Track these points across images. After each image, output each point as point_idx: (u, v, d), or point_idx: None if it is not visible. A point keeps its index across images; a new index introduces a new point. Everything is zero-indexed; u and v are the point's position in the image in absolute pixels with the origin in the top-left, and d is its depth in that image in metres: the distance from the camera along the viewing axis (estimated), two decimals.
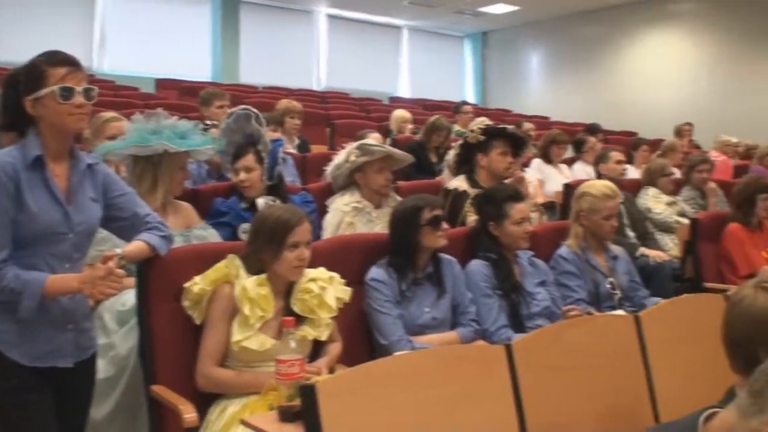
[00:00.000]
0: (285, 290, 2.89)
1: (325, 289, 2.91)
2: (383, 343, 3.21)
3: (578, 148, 7.93)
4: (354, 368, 2.06)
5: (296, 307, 2.85)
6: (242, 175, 4.14)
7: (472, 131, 4.56)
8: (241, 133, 4.24)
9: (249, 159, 4.16)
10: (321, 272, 2.96)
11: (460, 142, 4.67)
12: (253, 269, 2.83)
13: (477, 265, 3.61)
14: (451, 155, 4.77)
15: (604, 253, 4.05)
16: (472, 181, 4.43)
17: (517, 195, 3.75)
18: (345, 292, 2.99)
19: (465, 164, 4.56)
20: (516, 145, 4.56)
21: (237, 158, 4.18)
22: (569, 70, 16.56)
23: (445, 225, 3.41)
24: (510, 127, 4.75)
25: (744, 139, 10.65)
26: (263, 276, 2.82)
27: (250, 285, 2.77)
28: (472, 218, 4.14)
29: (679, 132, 10.80)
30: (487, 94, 18.45)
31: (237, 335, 2.73)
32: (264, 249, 2.82)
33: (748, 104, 13.13)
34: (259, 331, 2.76)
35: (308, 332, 2.85)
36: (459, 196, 4.34)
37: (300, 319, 2.85)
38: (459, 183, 4.44)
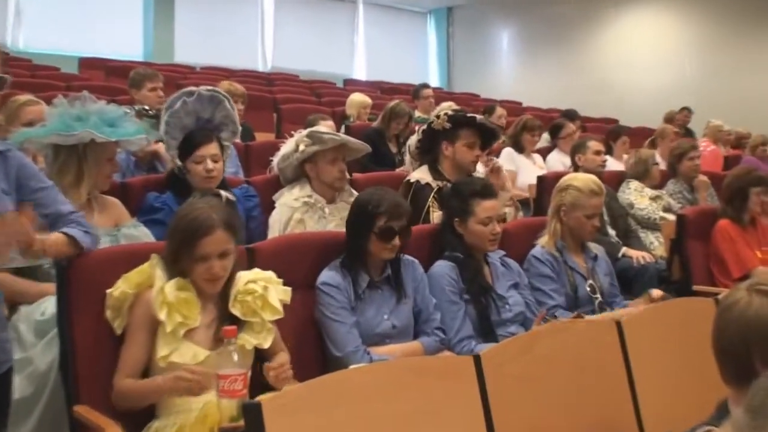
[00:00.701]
0: (217, 294, 2.82)
1: (268, 289, 2.87)
2: (337, 355, 3.19)
3: (554, 135, 7.91)
4: (304, 383, 2.05)
5: (236, 310, 2.79)
6: (210, 164, 3.99)
7: (438, 117, 4.52)
8: (193, 117, 4.14)
9: (214, 147, 4.03)
10: (258, 273, 2.92)
11: (424, 127, 4.63)
12: (174, 271, 2.76)
13: (442, 267, 3.60)
14: (413, 141, 4.74)
15: (583, 253, 4.07)
16: (436, 173, 4.42)
17: (486, 191, 3.71)
18: (285, 293, 2.94)
19: (428, 153, 4.54)
20: (485, 136, 4.56)
21: (198, 146, 4.02)
22: (543, 51, 16.66)
23: (396, 241, 3.32)
24: (479, 116, 4.70)
25: (734, 127, 10.73)
26: (187, 279, 2.76)
27: (169, 288, 2.70)
28: (436, 214, 4.13)
29: (671, 119, 10.74)
30: (453, 77, 18.50)
31: (163, 350, 2.65)
32: (180, 250, 2.75)
33: (739, 89, 13.29)
34: (188, 340, 2.68)
35: (247, 340, 2.78)
36: (421, 190, 4.33)
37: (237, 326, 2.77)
38: (421, 175, 4.42)
